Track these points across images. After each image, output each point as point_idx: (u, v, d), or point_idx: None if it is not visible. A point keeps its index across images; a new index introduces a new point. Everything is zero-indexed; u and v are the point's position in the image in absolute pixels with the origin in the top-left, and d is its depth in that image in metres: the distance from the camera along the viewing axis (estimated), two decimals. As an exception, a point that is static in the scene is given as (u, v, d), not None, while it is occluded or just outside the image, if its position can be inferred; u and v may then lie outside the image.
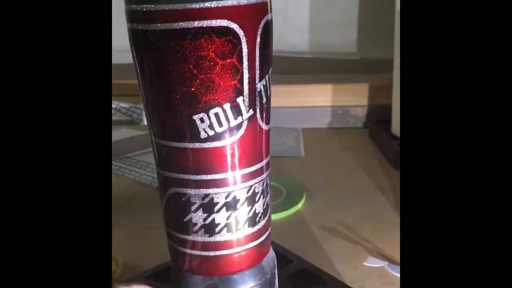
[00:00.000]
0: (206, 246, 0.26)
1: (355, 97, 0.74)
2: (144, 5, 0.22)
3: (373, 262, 0.40)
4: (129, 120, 0.74)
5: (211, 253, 0.26)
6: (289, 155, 0.65)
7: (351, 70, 0.82)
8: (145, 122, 0.79)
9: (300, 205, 0.50)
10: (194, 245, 0.26)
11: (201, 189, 0.25)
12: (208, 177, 0.25)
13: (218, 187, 0.25)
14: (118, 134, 0.69)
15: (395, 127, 0.65)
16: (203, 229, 0.26)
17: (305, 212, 0.49)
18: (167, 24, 0.22)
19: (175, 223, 0.27)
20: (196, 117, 0.23)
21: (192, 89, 0.23)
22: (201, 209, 0.25)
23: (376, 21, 0.82)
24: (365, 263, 0.40)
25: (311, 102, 0.74)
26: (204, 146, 0.24)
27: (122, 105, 0.75)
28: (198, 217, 0.25)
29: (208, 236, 0.26)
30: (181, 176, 0.25)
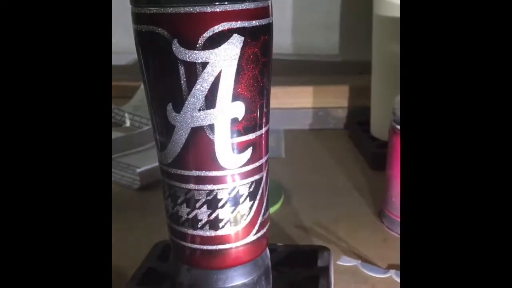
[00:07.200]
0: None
1: (336, 99, 0.74)
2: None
3: (347, 261, 0.41)
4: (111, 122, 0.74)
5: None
6: (270, 156, 0.65)
7: (332, 72, 0.83)
8: (128, 124, 0.78)
9: (278, 206, 0.51)
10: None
11: (266, 170, 0.29)
12: (265, 158, 0.29)
13: (262, 171, 0.29)
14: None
15: (374, 128, 0.66)
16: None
17: (283, 212, 0.50)
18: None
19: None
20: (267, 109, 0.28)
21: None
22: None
23: (357, 24, 0.83)
24: (338, 262, 0.41)
25: (292, 103, 0.75)
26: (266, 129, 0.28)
27: (105, 107, 0.75)
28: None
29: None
30: (260, 162, 0.28)
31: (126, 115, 0.74)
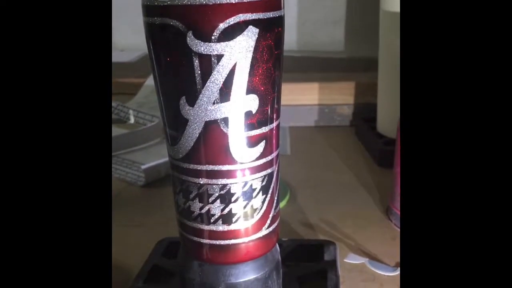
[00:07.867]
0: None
1: (342, 96, 0.74)
2: None
3: (354, 259, 0.41)
4: (115, 119, 0.74)
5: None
6: (275, 153, 0.65)
7: (338, 69, 0.82)
8: (132, 121, 0.78)
9: (284, 203, 0.51)
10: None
11: (277, 164, 0.29)
12: (276, 152, 0.28)
13: (274, 165, 0.28)
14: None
15: (380, 125, 0.65)
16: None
17: (288, 210, 0.50)
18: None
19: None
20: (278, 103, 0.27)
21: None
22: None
23: (363, 20, 0.83)
24: (345, 260, 0.40)
25: (298, 100, 0.74)
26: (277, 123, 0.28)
27: (109, 103, 0.75)
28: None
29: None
30: (272, 156, 0.28)
31: (131, 111, 0.74)
